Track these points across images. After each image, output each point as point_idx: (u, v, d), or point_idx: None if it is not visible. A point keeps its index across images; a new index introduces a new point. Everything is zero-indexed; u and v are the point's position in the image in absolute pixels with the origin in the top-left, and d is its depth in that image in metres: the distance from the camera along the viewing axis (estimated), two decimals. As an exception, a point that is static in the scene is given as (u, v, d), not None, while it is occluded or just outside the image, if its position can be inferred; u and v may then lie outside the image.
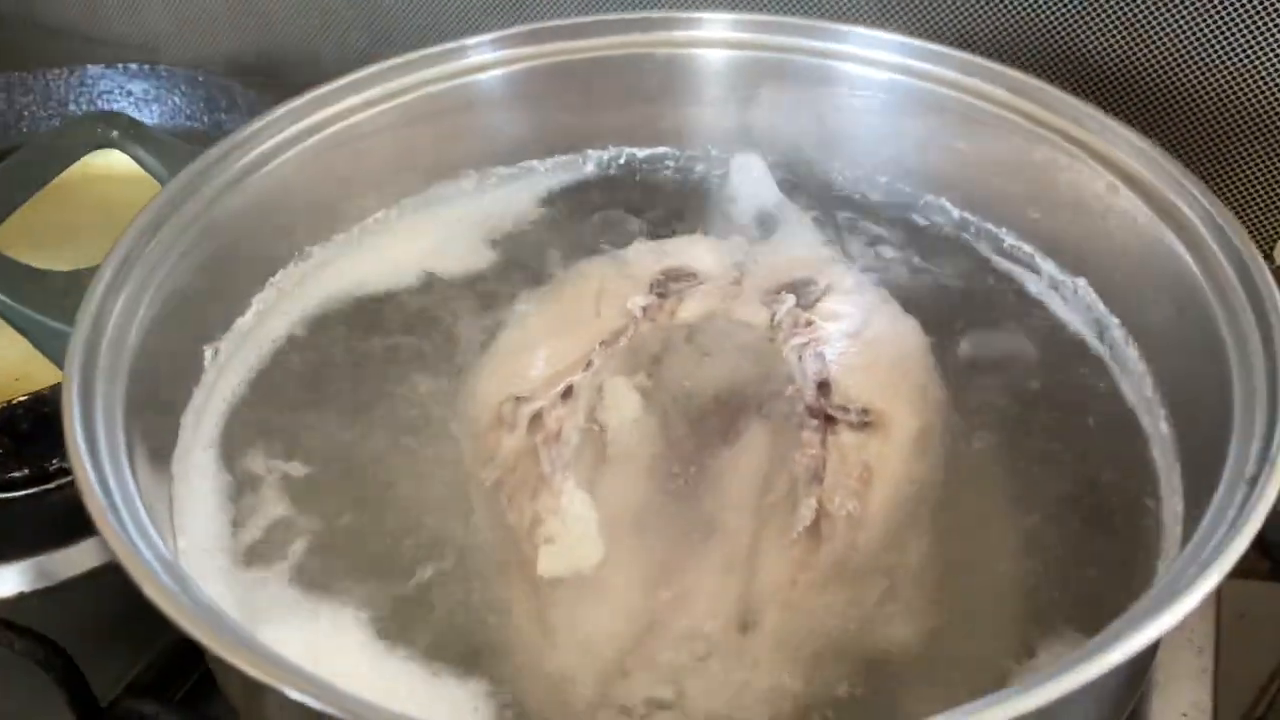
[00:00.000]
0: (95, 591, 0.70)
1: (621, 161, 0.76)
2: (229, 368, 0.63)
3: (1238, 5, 0.76)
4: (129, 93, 0.97)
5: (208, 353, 0.62)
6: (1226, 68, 0.78)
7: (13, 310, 0.59)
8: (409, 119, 0.70)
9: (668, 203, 0.74)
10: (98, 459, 0.49)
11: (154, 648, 0.65)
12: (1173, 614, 0.41)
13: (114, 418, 0.52)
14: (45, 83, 0.96)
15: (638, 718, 0.49)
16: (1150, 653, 0.54)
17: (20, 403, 0.66)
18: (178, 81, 0.96)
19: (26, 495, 0.73)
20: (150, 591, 0.43)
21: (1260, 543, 0.44)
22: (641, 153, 0.76)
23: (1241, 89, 0.79)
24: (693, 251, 0.69)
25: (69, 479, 0.72)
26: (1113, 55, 0.81)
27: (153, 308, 0.57)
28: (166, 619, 0.42)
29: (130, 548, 0.45)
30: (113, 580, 0.69)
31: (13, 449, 0.69)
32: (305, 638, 0.51)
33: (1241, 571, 0.45)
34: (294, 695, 0.40)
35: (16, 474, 0.71)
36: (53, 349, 0.60)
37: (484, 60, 0.72)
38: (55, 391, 0.66)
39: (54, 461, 0.71)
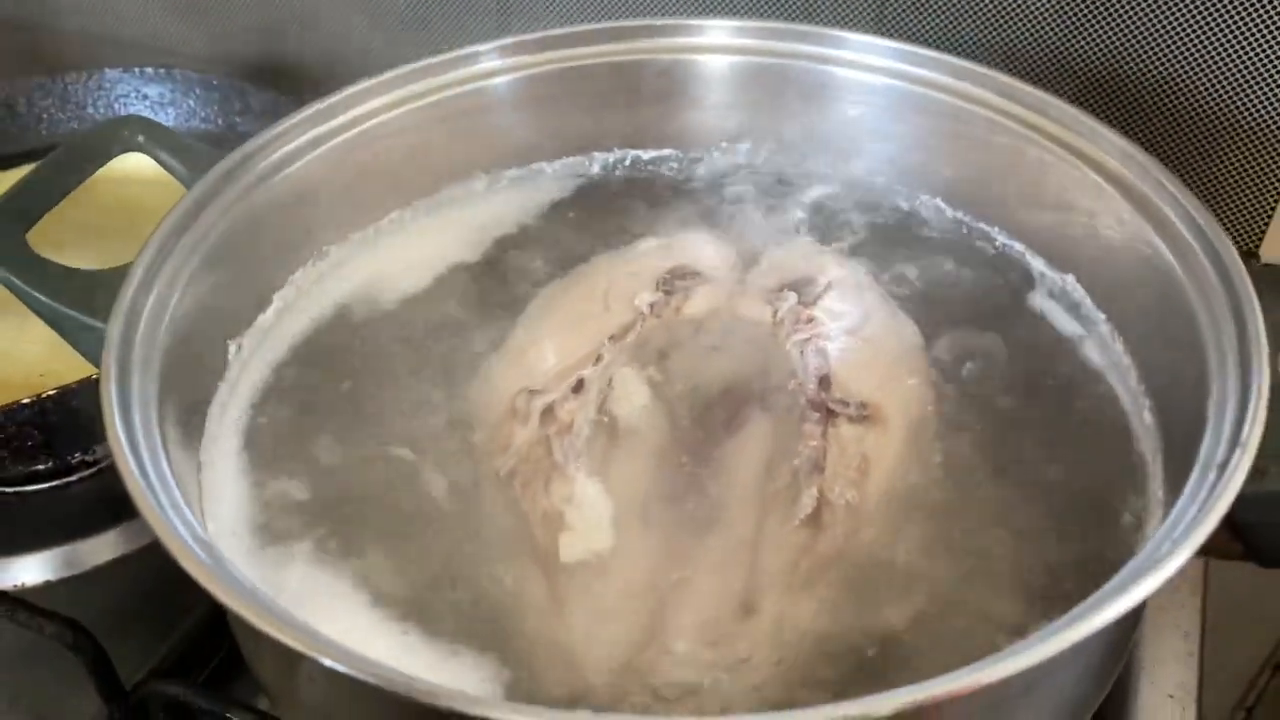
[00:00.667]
0: (119, 579, 0.71)
1: (627, 163, 0.77)
2: (252, 362, 0.64)
3: (1222, 12, 0.77)
4: (145, 96, 0.96)
5: (232, 347, 0.64)
6: (1210, 72, 0.79)
7: (48, 306, 0.59)
8: (422, 123, 0.71)
9: (672, 202, 0.74)
10: (136, 447, 0.50)
11: (176, 632, 0.67)
12: (1144, 587, 0.42)
13: (148, 408, 0.53)
14: (63, 86, 0.96)
15: (646, 698, 0.50)
16: (1128, 626, 0.56)
17: (49, 397, 0.67)
18: (193, 85, 0.96)
19: (52, 487, 0.75)
20: (193, 570, 0.44)
21: (1233, 526, 0.46)
22: (646, 154, 0.77)
23: (1224, 92, 0.79)
24: (697, 250, 0.70)
25: (91, 471, 0.75)
26: (1100, 61, 0.82)
27: (181, 304, 0.59)
28: (206, 596, 0.44)
29: (172, 530, 0.46)
30: (136, 568, 0.72)
31: (42, 442, 0.70)
32: (323, 618, 0.52)
33: (1217, 552, 0.47)
34: (329, 664, 0.41)
35: (43, 466, 0.73)
36: (84, 343, 0.61)
37: (495, 66, 0.72)
38: (83, 386, 0.67)
39: (76, 454, 0.73)
